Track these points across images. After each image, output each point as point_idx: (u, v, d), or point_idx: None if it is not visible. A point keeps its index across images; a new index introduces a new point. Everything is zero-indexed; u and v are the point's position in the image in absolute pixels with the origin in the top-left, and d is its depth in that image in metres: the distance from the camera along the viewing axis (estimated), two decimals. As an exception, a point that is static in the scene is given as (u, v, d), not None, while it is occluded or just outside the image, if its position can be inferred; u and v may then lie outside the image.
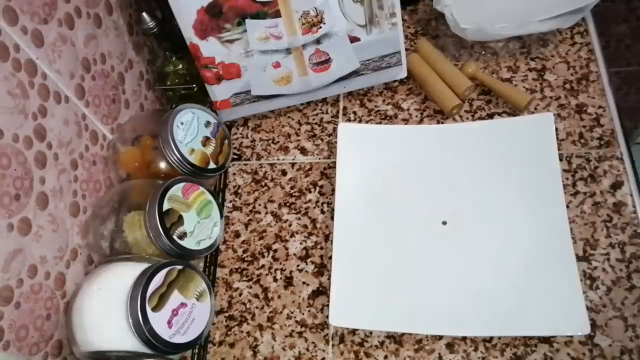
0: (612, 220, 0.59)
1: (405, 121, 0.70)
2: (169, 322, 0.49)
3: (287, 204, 0.67)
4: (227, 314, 0.62)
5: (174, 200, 0.55)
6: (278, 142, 0.72)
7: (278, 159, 0.71)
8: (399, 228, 0.62)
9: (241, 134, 0.74)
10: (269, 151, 0.72)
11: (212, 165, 0.62)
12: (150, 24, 0.66)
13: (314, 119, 0.73)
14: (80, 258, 0.56)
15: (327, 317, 0.58)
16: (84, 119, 0.58)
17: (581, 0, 0.65)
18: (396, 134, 0.67)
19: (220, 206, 0.60)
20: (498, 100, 0.69)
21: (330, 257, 0.61)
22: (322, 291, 0.61)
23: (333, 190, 0.65)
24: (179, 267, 0.52)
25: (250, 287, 0.63)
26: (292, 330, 0.59)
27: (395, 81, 0.72)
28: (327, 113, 0.73)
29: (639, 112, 1.29)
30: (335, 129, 0.71)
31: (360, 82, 0.69)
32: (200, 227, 0.57)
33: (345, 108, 0.73)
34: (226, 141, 0.65)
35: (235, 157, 0.72)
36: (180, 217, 0.55)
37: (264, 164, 0.71)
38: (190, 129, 0.61)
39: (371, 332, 0.58)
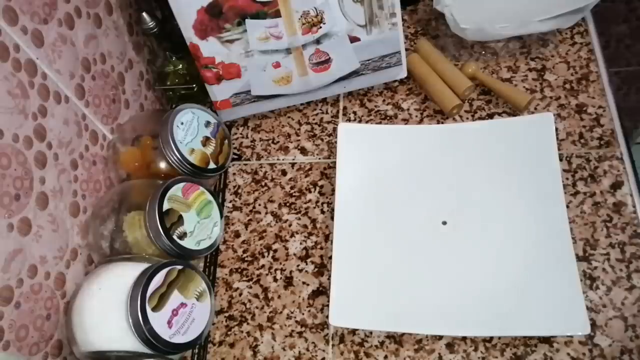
0: (612, 220, 0.59)
1: (405, 121, 0.70)
2: (169, 322, 0.49)
3: (287, 204, 0.67)
4: (227, 314, 0.62)
5: (174, 200, 0.55)
6: (278, 142, 0.72)
7: (278, 159, 0.71)
8: (399, 228, 0.62)
9: (241, 134, 0.74)
10: (269, 151, 0.72)
11: (212, 165, 0.62)
12: (150, 24, 0.66)
13: (314, 119, 0.73)
14: (80, 258, 0.56)
15: (327, 317, 0.58)
16: (84, 119, 0.58)
17: (581, 0, 0.65)
18: (396, 134, 0.67)
19: (220, 206, 0.60)
20: (498, 100, 0.69)
21: (330, 257, 0.61)
22: (322, 291, 0.61)
23: (333, 190, 0.65)
24: (179, 267, 0.52)
25: (250, 287, 0.63)
26: (292, 330, 0.59)
27: (395, 81, 0.72)
28: (327, 113, 0.73)
29: (639, 112, 1.29)
30: (335, 129, 0.71)
31: (360, 82, 0.69)
32: (200, 227, 0.57)
33: (345, 108, 0.73)
34: (226, 141, 0.65)
35: (235, 157, 0.72)
36: (180, 217, 0.55)
37: (264, 164, 0.71)
38: (190, 129, 0.61)
39: (371, 332, 0.58)
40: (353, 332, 0.58)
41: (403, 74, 0.69)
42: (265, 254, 0.64)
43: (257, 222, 0.67)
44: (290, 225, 0.66)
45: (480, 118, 0.68)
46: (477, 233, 0.60)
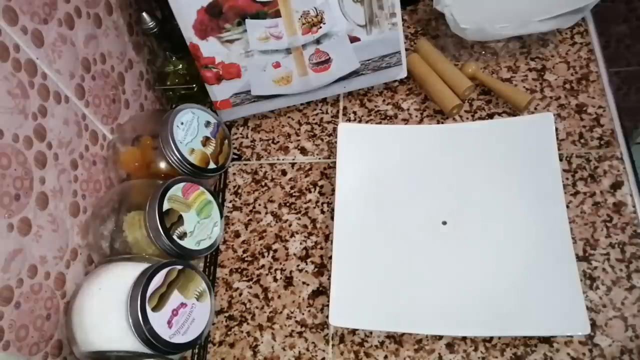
0: (612, 220, 0.59)
1: (405, 121, 0.70)
2: (169, 322, 0.49)
3: (287, 204, 0.67)
4: (227, 314, 0.62)
5: (174, 200, 0.55)
6: (278, 142, 0.72)
7: (278, 159, 0.71)
8: (399, 228, 0.62)
9: (241, 134, 0.74)
10: (269, 151, 0.72)
11: (212, 165, 0.62)
12: (150, 24, 0.66)
13: (314, 119, 0.73)
14: (80, 258, 0.56)
15: (327, 317, 0.58)
16: (84, 119, 0.58)
17: (581, 0, 0.65)
18: (396, 134, 0.67)
19: (220, 206, 0.60)
20: (498, 100, 0.69)
21: (330, 257, 0.61)
22: (322, 291, 0.61)
23: (333, 190, 0.65)
24: (179, 267, 0.52)
25: (250, 287, 0.63)
26: (292, 330, 0.59)
27: (395, 81, 0.72)
28: (327, 113, 0.73)
29: (639, 112, 1.29)
30: (335, 129, 0.71)
31: (360, 82, 0.69)
32: (200, 227, 0.57)
33: (345, 108, 0.73)
34: (226, 141, 0.65)
35: (235, 157, 0.72)
36: (180, 217, 0.55)
37: (264, 164, 0.71)
38: (190, 129, 0.61)
39: (371, 332, 0.58)
40: (353, 332, 0.58)
41: (403, 74, 0.69)
42: (265, 254, 0.64)
43: (257, 222, 0.67)
44: (290, 225, 0.66)
45: (480, 118, 0.68)
46: (477, 233, 0.60)
